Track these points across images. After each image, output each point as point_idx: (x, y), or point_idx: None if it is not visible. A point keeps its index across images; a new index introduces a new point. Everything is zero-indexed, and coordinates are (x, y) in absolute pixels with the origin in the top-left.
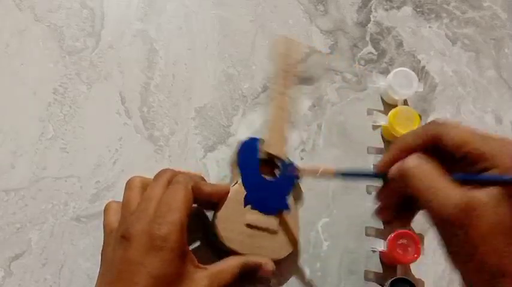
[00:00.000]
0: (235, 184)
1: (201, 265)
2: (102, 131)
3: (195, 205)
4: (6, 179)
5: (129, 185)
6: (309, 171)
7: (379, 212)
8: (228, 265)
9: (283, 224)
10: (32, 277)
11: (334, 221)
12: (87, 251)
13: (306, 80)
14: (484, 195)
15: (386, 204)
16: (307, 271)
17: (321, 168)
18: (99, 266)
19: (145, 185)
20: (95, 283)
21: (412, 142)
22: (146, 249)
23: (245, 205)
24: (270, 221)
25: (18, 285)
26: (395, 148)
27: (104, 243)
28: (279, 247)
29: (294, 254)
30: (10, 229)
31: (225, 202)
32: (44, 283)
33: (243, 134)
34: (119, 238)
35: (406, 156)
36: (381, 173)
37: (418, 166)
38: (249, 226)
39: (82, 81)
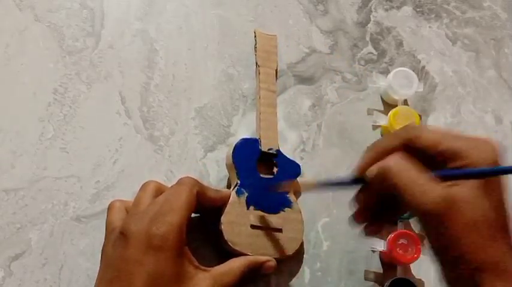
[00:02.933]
0: (236, 186)
1: (202, 267)
2: (102, 131)
3: (197, 215)
4: (6, 179)
5: (144, 187)
6: (290, 186)
7: (356, 215)
8: (232, 266)
9: (287, 221)
10: (32, 277)
11: (334, 221)
12: (87, 251)
13: (306, 80)
14: (464, 190)
15: (364, 206)
16: (307, 271)
17: (302, 180)
18: (100, 265)
19: (159, 190)
20: (94, 282)
21: (389, 144)
22: (144, 248)
23: (248, 207)
24: (274, 220)
25: (18, 285)
26: (372, 150)
27: (104, 241)
28: (286, 244)
29: (299, 252)
30: (10, 229)
31: (228, 207)
32: (44, 283)
33: (243, 134)
34: (118, 235)
35: (384, 158)
36: (360, 177)
37: (397, 164)
38: (254, 226)
39: (82, 81)
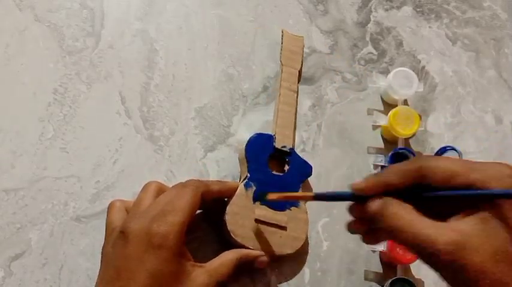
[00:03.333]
0: (245, 179)
1: (198, 264)
2: (102, 131)
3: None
4: (6, 179)
5: (145, 187)
6: (284, 196)
7: (351, 224)
8: (225, 259)
9: (292, 220)
10: (32, 277)
11: (334, 221)
12: (87, 251)
13: (306, 80)
14: (471, 225)
15: (358, 218)
16: (307, 271)
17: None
18: (100, 265)
19: (160, 191)
20: (94, 282)
21: (397, 181)
22: (145, 246)
23: (254, 201)
24: (279, 217)
25: (18, 285)
26: (378, 180)
27: (104, 241)
28: (288, 243)
29: (301, 251)
30: (10, 229)
31: (234, 198)
32: (44, 283)
33: (243, 134)
34: (118, 234)
35: (385, 191)
36: (357, 195)
37: (396, 209)
38: (258, 221)
39: (82, 81)
